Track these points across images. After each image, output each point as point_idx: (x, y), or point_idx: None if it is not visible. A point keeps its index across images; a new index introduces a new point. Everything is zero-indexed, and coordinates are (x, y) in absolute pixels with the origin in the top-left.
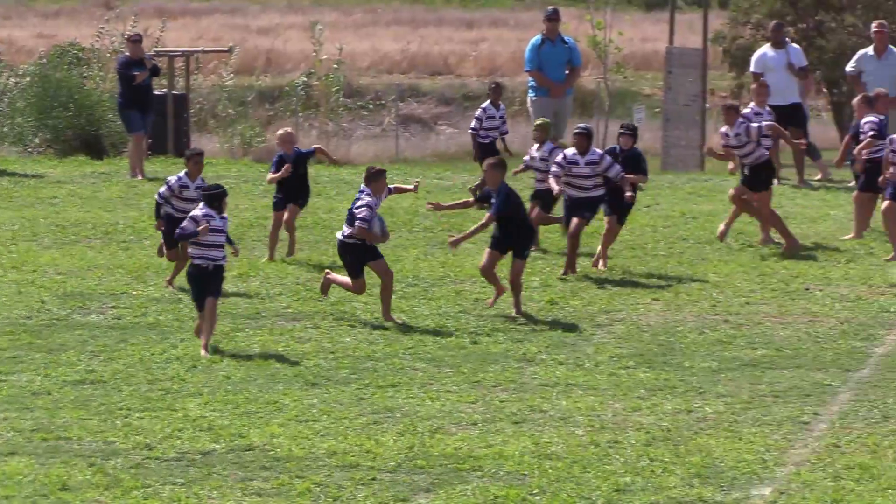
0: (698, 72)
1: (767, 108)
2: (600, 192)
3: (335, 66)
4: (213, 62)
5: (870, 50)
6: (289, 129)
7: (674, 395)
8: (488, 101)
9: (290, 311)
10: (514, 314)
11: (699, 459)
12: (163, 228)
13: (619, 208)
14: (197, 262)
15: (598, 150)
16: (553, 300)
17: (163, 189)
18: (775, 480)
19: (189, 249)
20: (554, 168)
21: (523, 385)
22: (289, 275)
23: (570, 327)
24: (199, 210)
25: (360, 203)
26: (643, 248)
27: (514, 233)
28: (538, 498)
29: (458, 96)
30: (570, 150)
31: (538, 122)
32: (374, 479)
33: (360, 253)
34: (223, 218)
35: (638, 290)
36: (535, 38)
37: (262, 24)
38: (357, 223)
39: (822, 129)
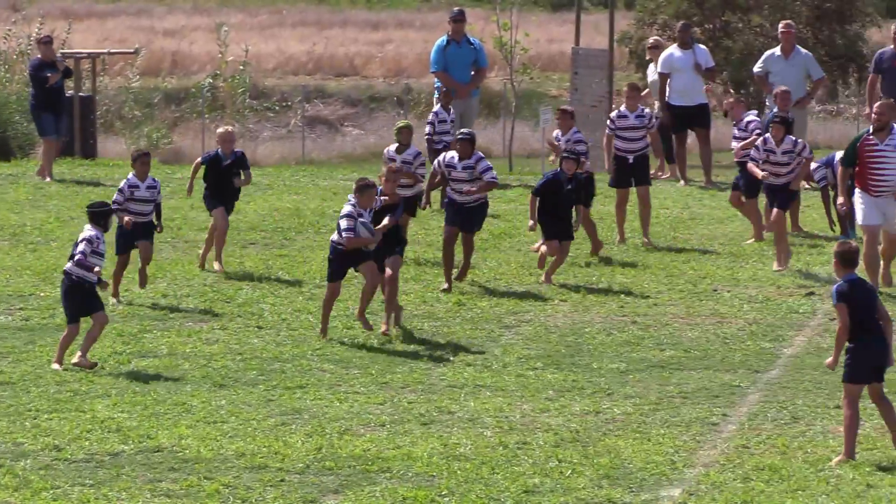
0: (605, 73)
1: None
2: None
3: (241, 67)
4: (119, 64)
5: (777, 50)
6: (229, 128)
7: (582, 396)
8: (439, 105)
9: (197, 312)
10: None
11: (608, 461)
12: (130, 227)
13: (563, 233)
14: (76, 279)
15: (478, 153)
16: (460, 301)
17: (116, 196)
18: (684, 481)
19: (69, 265)
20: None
21: (431, 386)
22: (196, 276)
23: (478, 329)
24: (91, 231)
25: (342, 213)
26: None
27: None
28: (447, 499)
29: (365, 98)
30: (451, 154)
31: (399, 124)
32: (282, 480)
33: (346, 258)
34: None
35: (545, 291)
36: (441, 40)
37: (167, 26)
38: (344, 235)
39: (729, 130)
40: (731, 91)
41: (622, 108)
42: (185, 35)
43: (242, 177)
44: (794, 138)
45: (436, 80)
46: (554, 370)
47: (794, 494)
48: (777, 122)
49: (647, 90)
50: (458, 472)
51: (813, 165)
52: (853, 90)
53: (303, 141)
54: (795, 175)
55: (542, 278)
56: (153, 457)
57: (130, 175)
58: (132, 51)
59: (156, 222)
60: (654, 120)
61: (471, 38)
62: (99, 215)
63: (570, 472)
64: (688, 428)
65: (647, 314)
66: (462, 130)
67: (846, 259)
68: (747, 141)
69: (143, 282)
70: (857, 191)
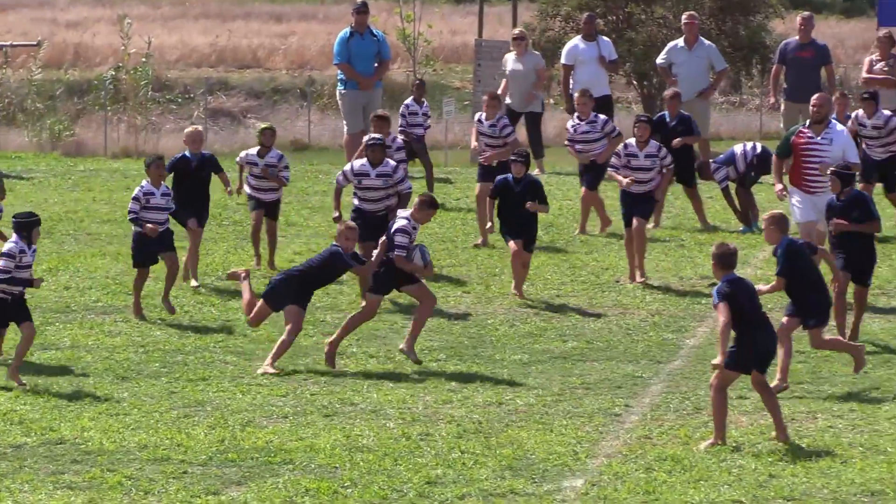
0: None
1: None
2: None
3: (144, 59)
4: (21, 56)
5: (680, 41)
6: (198, 127)
7: (485, 387)
8: (411, 98)
9: (99, 304)
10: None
11: (511, 451)
12: (156, 234)
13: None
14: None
15: (392, 162)
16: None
17: (131, 205)
18: (587, 472)
19: None
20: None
21: (334, 378)
22: (98, 269)
23: (381, 320)
24: (13, 244)
25: (397, 226)
26: (452, 242)
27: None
28: (350, 490)
29: (268, 90)
30: (361, 161)
31: (262, 125)
32: (185, 472)
33: (392, 274)
34: (34, 251)
35: (448, 282)
36: (344, 32)
37: (70, 18)
38: (395, 253)
39: (632, 122)
40: (635, 83)
41: (482, 115)
42: (88, 27)
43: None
44: (658, 143)
45: (339, 72)
46: (457, 361)
47: (697, 485)
48: (643, 122)
49: (504, 81)
50: (361, 463)
51: (713, 165)
52: (756, 81)
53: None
54: (658, 184)
55: (513, 289)
56: (56, 449)
57: (145, 182)
58: (35, 43)
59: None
60: (508, 131)
61: (374, 30)
62: (23, 226)
63: (472, 463)
64: (590, 419)
65: (550, 305)
66: (374, 136)
67: (724, 261)
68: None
69: (171, 307)
70: (791, 189)
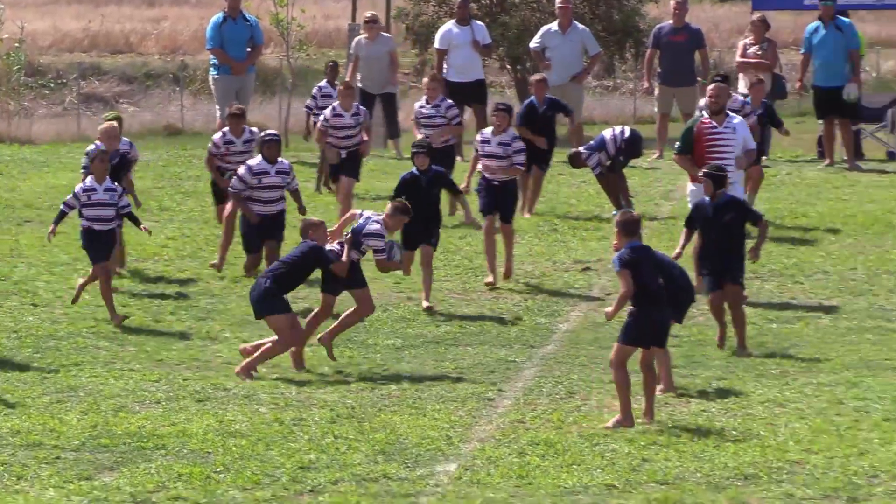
0: None
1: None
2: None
3: (17, 45)
4: None
5: (554, 25)
6: (113, 122)
7: (358, 372)
8: (325, 80)
9: None
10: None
11: (384, 436)
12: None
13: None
14: None
15: (286, 162)
16: (236, 278)
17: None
18: (460, 457)
19: None
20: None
21: (206, 363)
22: None
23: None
24: None
25: (370, 230)
26: (329, 225)
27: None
28: (222, 475)
29: (140, 75)
30: (256, 161)
31: (107, 115)
32: (57, 457)
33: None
34: None
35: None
36: (217, 16)
37: None
38: (377, 258)
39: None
40: (508, 67)
41: (337, 105)
42: None
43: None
44: (514, 134)
45: (211, 56)
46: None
47: (570, 469)
48: (502, 111)
49: (351, 65)
50: (234, 448)
51: (584, 152)
52: (630, 65)
53: (78, 118)
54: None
55: (424, 301)
56: None
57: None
58: None
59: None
60: (366, 116)
61: (247, 15)
62: None
63: (345, 447)
64: (463, 403)
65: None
66: (270, 132)
67: (628, 228)
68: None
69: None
70: (689, 184)
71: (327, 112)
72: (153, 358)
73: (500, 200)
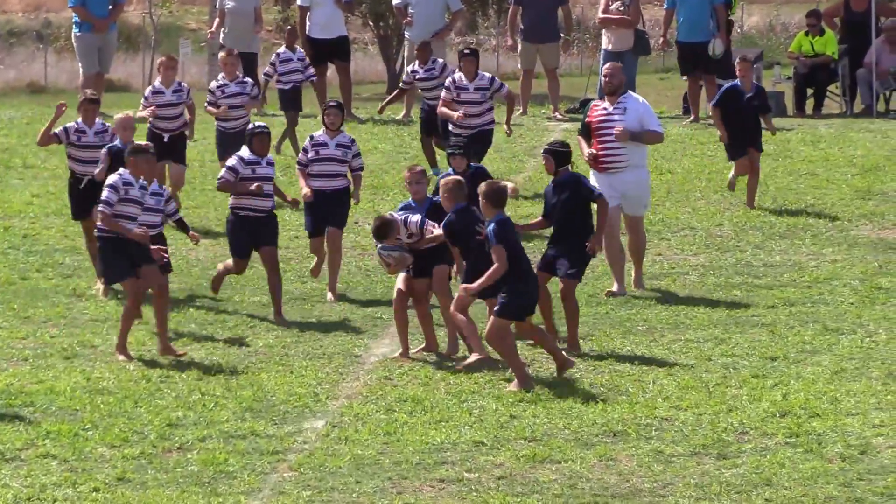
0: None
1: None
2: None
3: None
4: None
5: None
6: (129, 113)
7: (224, 328)
8: (283, 46)
9: None
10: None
11: (251, 393)
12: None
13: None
14: None
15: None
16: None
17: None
18: (328, 413)
19: None
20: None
21: (73, 320)
22: None
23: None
24: None
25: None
26: (191, 182)
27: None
28: (91, 433)
29: (3, 32)
30: (247, 153)
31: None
32: None
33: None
34: None
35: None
36: None
37: None
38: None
39: (369, 63)
40: (371, 24)
41: (157, 82)
42: None
43: None
44: (490, 76)
45: (74, 14)
46: (196, 304)
47: (438, 426)
48: (468, 56)
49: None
50: (102, 405)
51: None
52: (493, 22)
53: None
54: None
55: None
56: None
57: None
58: None
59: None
60: (189, 94)
61: None
62: None
63: (213, 405)
64: (330, 360)
65: (289, 247)
66: (260, 125)
67: (494, 198)
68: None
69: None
70: (591, 172)
71: (147, 91)
72: (20, 315)
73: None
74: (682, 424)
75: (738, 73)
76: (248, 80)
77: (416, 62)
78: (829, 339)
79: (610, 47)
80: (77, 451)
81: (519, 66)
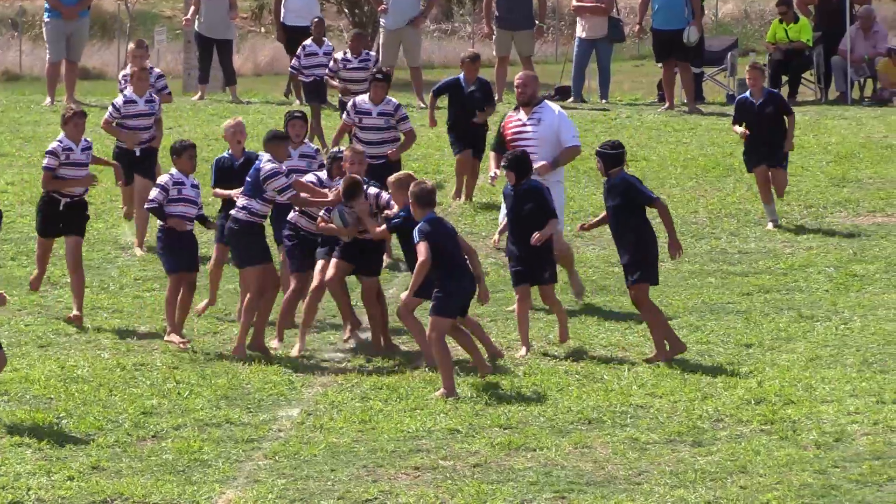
0: None
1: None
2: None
3: None
4: None
5: None
6: (239, 118)
7: (200, 316)
8: (310, 39)
9: None
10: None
11: (226, 381)
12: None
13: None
14: None
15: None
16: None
17: (155, 194)
18: (303, 401)
19: None
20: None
21: (48, 308)
22: None
23: (95, 250)
24: None
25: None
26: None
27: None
28: (65, 421)
29: None
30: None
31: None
32: None
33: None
34: None
35: None
36: None
37: None
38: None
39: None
40: (346, 12)
41: (129, 91)
42: None
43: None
44: (396, 102)
45: (46, 3)
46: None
47: (413, 413)
48: (379, 80)
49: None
50: (76, 394)
51: None
52: (468, 9)
53: None
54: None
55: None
56: None
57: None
58: None
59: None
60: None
61: None
62: None
63: (188, 393)
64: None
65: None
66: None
67: (422, 199)
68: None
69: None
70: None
71: (118, 100)
72: None
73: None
74: (657, 412)
75: (747, 81)
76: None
77: (348, 51)
78: (804, 327)
79: (584, 35)
80: (51, 439)
81: (494, 53)
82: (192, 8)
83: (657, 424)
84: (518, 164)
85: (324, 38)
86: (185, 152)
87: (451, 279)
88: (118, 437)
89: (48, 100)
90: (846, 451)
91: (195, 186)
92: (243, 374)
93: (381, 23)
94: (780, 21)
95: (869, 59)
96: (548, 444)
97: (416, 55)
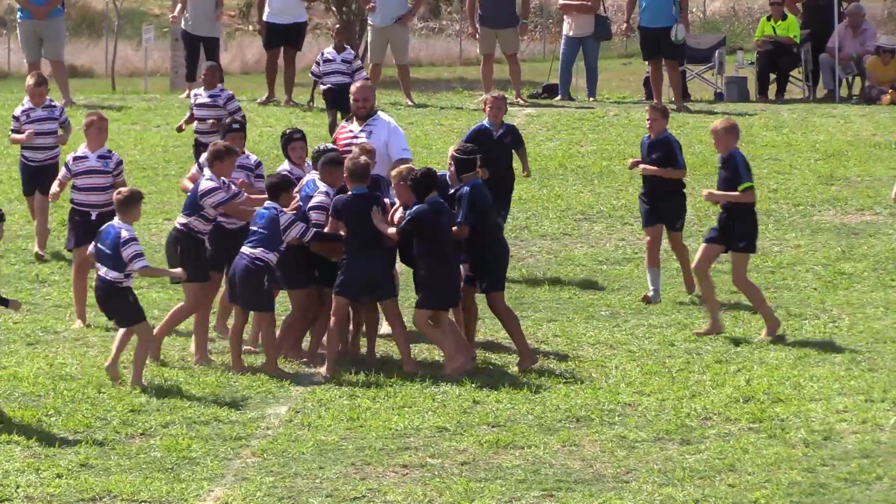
0: None
1: None
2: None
3: None
4: None
5: None
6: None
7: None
8: (331, 46)
9: None
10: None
11: (214, 379)
12: None
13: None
14: None
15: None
16: (65, 220)
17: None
18: (291, 399)
19: None
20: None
21: (36, 306)
22: None
23: None
24: None
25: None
26: (154, 169)
27: None
28: (54, 419)
29: None
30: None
31: None
32: None
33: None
34: None
35: (150, 209)
36: None
37: None
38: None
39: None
40: (334, 10)
41: (82, 147)
42: None
43: None
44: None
45: (17, 3)
46: (159, 288)
47: (401, 411)
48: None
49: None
50: (65, 391)
51: None
52: (456, 7)
53: None
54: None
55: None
56: None
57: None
58: None
59: None
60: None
61: None
62: None
63: (176, 390)
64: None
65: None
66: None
67: (355, 174)
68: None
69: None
70: None
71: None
72: None
73: None
74: (645, 410)
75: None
76: (58, 104)
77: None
78: (793, 325)
79: (571, 33)
80: (40, 437)
81: (479, 51)
82: (179, 6)
83: (645, 422)
84: (460, 160)
85: (345, 46)
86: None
87: (355, 259)
88: (106, 435)
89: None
90: (835, 449)
91: None
92: (231, 372)
93: (369, 21)
94: (769, 18)
95: (857, 57)
96: (536, 441)
97: (403, 53)
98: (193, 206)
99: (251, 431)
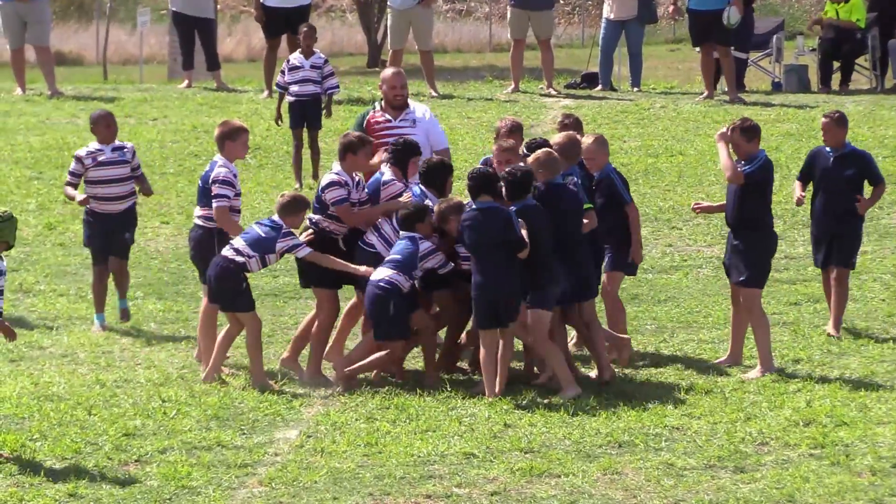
0: None
1: None
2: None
3: None
4: None
5: None
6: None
7: (186, 328)
8: (298, 51)
9: None
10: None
11: (217, 400)
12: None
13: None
14: None
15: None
16: (51, 225)
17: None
18: (302, 422)
19: None
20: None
21: (20, 319)
22: None
23: (72, 255)
24: None
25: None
26: (151, 167)
27: None
28: (39, 444)
29: None
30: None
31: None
32: None
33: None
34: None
35: (145, 211)
36: None
37: None
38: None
39: (347, 33)
40: None
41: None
42: None
43: None
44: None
45: None
46: (156, 300)
47: (424, 436)
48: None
49: None
50: (52, 413)
51: None
52: None
53: None
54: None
55: None
56: None
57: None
58: None
59: None
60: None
61: None
62: None
63: (174, 412)
64: (304, 362)
65: None
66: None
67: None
68: None
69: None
70: None
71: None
72: None
73: None
74: (694, 434)
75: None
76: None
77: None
78: (858, 340)
79: (612, 15)
80: (24, 464)
81: (509, 35)
82: None
83: (695, 448)
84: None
85: (314, 50)
86: None
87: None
88: (98, 462)
89: (18, 89)
90: None
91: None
92: (236, 392)
93: (389, 2)
94: (833, 1)
95: None
96: (574, 469)
97: (427, 38)
98: (319, 201)
99: (258, 458)
